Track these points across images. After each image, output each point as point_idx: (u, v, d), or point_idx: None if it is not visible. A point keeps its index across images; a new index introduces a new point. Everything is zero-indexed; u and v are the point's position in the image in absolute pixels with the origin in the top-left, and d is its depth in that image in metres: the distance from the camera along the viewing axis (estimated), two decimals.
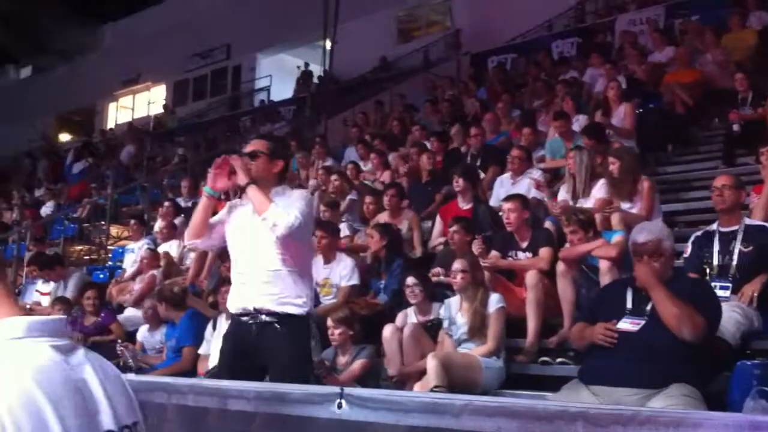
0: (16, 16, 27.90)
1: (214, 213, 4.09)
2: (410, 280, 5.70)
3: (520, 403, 1.78)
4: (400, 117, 12.94)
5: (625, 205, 6.27)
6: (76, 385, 1.22)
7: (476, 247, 6.28)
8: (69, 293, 8.82)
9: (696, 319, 3.74)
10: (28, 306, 9.47)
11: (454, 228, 6.39)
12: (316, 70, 22.75)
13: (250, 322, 3.73)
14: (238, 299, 3.81)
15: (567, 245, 5.66)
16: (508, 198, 6.32)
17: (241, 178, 3.77)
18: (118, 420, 1.25)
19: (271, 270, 3.74)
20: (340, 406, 2.12)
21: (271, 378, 3.48)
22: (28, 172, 22.22)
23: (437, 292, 6.17)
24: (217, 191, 3.92)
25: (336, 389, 2.15)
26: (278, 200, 3.75)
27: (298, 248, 3.82)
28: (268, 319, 3.70)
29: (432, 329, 5.68)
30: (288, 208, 3.69)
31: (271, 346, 3.66)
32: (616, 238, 5.43)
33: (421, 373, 5.19)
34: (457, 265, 5.47)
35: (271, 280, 3.73)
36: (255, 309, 3.72)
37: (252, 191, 3.74)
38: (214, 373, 6.03)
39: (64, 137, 28.84)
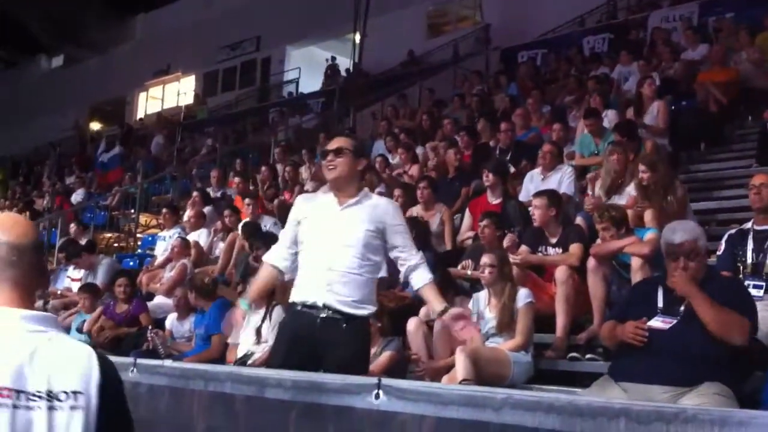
0: (50, 7, 28.22)
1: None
2: (488, 258, 5.57)
3: (562, 398, 1.78)
4: (429, 111, 12.92)
5: None
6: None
7: (507, 242, 6.28)
8: (99, 281, 8.92)
9: (743, 322, 3.71)
10: (59, 292, 9.60)
11: (485, 222, 6.38)
12: (345, 63, 22.79)
13: (315, 315, 3.69)
14: (307, 292, 3.76)
15: (598, 241, 5.63)
16: (536, 194, 6.29)
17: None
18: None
19: (350, 272, 3.72)
20: (377, 396, 2.13)
21: (325, 371, 3.45)
22: (59, 161, 22.49)
23: (465, 287, 6.18)
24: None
25: (373, 380, 2.16)
26: (367, 208, 3.80)
27: (375, 256, 3.83)
28: (333, 315, 3.67)
29: None
30: (406, 246, 3.84)
31: (332, 340, 3.65)
32: (649, 235, 5.38)
33: (449, 367, 5.21)
34: (485, 259, 5.46)
35: (347, 281, 3.72)
36: (324, 305, 3.69)
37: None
38: (242, 361, 6.10)
39: (95, 126, 29.09)
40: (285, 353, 3.66)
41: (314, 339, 3.68)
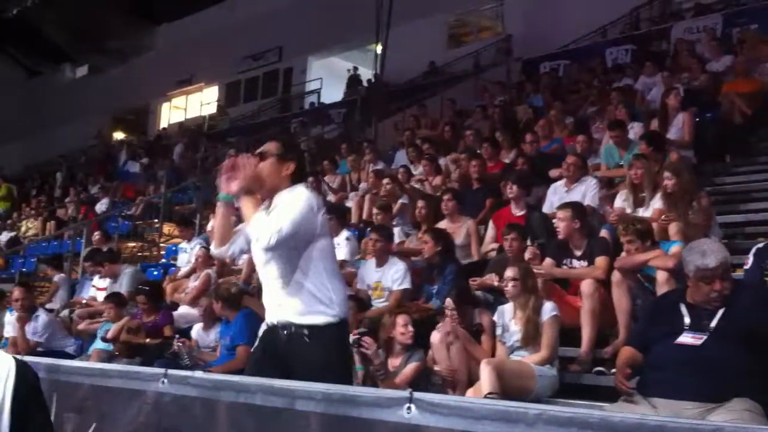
0: (75, 17, 28.55)
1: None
2: (511, 271, 5.56)
3: (595, 414, 1.78)
4: (451, 122, 12.93)
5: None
6: None
7: (529, 254, 6.27)
8: (123, 290, 8.99)
9: None
10: (84, 301, 9.70)
11: (512, 236, 6.38)
12: (366, 73, 22.87)
13: (280, 332, 3.53)
14: (268, 313, 3.63)
15: (623, 254, 5.61)
16: (561, 206, 6.28)
17: (234, 186, 3.54)
18: None
19: (286, 281, 3.50)
20: (409, 410, 2.14)
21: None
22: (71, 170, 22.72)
23: (489, 299, 6.18)
24: (232, 195, 3.59)
25: (405, 393, 2.16)
26: (273, 210, 3.51)
27: (305, 255, 3.51)
28: (296, 330, 3.48)
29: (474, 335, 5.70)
30: (277, 216, 3.42)
31: (298, 353, 3.47)
32: (674, 248, 5.36)
33: (472, 380, 5.22)
34: (508, 273, 5.46)
35: (288, 291, 3.50)
36: (279, 322, 3.53)
37: (242, 203, 3.53)
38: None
39: (118, 135, 29.37)
40: (257, 367, 3.53)
41: (284, 357, 3.50)
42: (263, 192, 3.62)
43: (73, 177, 22.02)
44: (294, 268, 3.49)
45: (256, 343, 3.78)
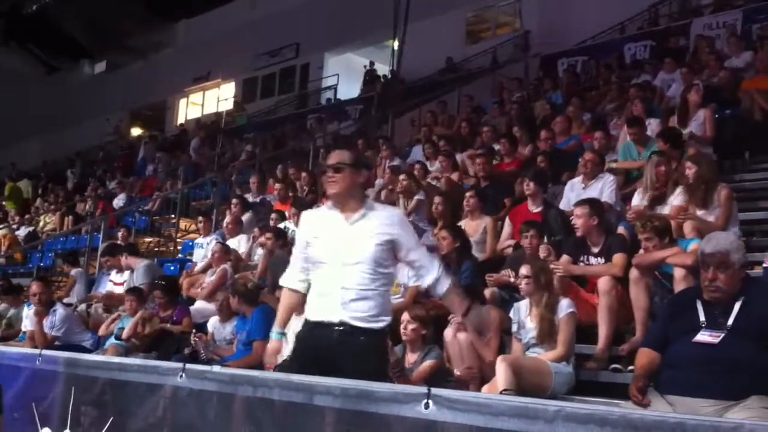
0: (93, 13, 28.71)
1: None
2: (524, 269, 5.52)
3: (616, 411, 1.77)
4: (468, 118, 12.90)
5: (699, 212, 6.14)
6: None
7: (543, 252, 6.24)
8: (137, 282, 9.00)
9: None
10: (100, 296, 9.75)
11: (531, 233, 6.37)
12: (382, 69, 22.85)
13: (331, 330, 3.66)
14: (322, 312, 3.73)
15: (641, 251, 5.57)
16: (578, 203, 6.23)
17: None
18: None
19: (363, 289, 3.69)
20: (427, 406, 2.14)
21: None
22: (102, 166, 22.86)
23: (504, 296, 6.15)
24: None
25: (423, 389, 2.16)
26: (373, 220, 3.77)
27: (392, 267, 3.87)
28: (351, 330, 3.66)
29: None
30: (418, 254, 3.81)
31: (351, 352, 3.63)
32: (693, 246, 5.30)
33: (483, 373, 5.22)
34: (522, 270, 5.45)
35: (361, 298, 3.68)
36: (340, 321, 3.66)
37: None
38: (283, 366, 6.14)
39: (136, 131, 29.54)
40: (299, 369, 3.57)
41: (333, 352, 3.65)
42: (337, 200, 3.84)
43: (91, 173, 22.16)
44: (376, 278, 3.72)
45: (294, 345, 3.90)
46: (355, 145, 13.67)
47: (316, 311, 3.76)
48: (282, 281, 4.02)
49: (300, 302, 3.93)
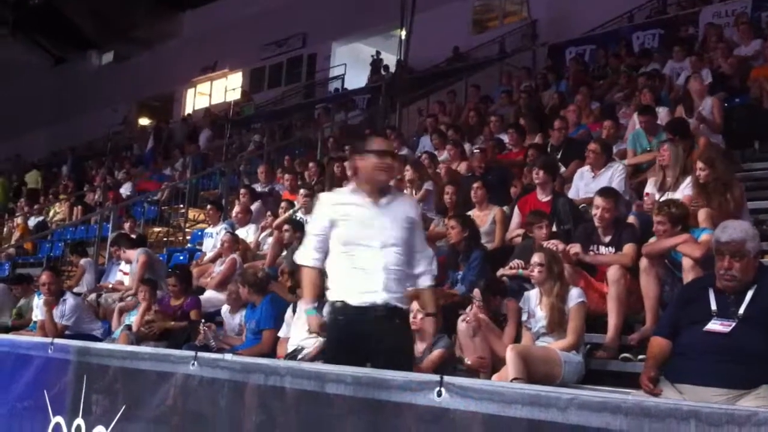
0: (100, 4, 28.70)
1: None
2: (537, 257, 5.55)
3: (630, 399, 1.77)
4: (476, 108, 12.87)
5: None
6: None
7: (552, 245, 6.22)
8: (133, 275, 8.99)
9: None
10: (110, 285, 9.79)
11: (545, 223, 6.36)
12: (389, 59, 22.79)
13: (370, 313, 3.76)
14: (362, 294, 3.79)
15: (651, 240, 5.56)
16: (605, 194, 6.05)
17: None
18: None
19: (398, 269, 3.83)
20: (439, 394, 2.14)
21: (372, 363, 3.51)
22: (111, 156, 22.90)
23: (513, 287, 6.15)
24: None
25: (435, 377, 2.17)
26: (400, 205, 3.94)
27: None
28: (387, 312, 3.77)
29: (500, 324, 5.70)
30: (425, 250, 4.02)
31: (385, 334, 3.75)
32: (704, 237, 5.27)
33: (495, 364, 5.23)
34: (535, 258, 5.43)
35: (397, 278, 3.82)
36: (384, 303, 3.76)
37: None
38: (293, 356, 6.17)
39: (144, 122, 29.56)
40: (342, 356, 3.60)
41: (368, 335, 3.74)
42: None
43: (82, 168, 22.17)
44: (407, 261, 3.90)
45: (336, 326, 3.89)
46: (362, 134, 13.65)
47: (357, 294, 3.80)
48: (301, 260, 4.05)
49: (319, 278, 4.04)
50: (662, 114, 8.73)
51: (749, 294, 3.83)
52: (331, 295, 3.88)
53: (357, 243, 3.84)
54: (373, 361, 3.59)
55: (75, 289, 9.89)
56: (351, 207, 3.90)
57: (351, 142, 4.22)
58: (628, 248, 5.66)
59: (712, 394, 3.66)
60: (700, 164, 6.08)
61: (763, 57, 10.09)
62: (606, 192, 6.09)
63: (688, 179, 6.30)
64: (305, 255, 4.01)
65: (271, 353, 6.47)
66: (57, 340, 4.61)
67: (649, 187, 6.68)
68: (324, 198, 4.19)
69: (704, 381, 3.73)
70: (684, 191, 6.27)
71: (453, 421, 2.10)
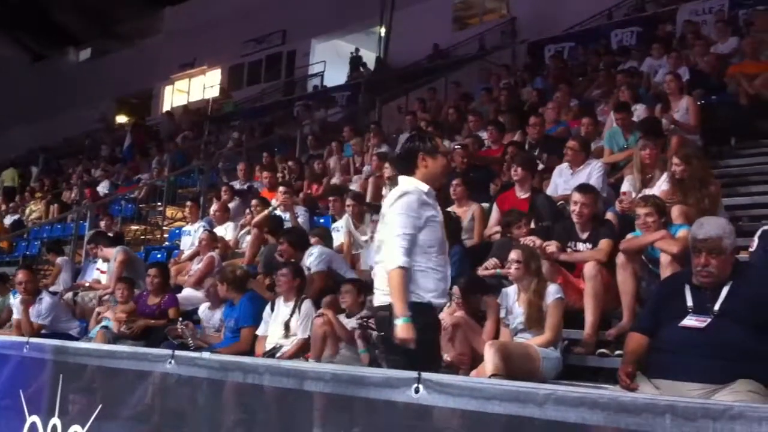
0: (80, 0, 28.47)
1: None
2: (515, 254, 5.54)
3: (607, 394, 1.78)
4: (456, 105, 12.88)
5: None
6: None
7: (530, 241, 6.24)
8: (109, 273, 8.93)
9: None
10: (87, 284, 9.70)
11: (523, 221, 6.38)
12: (369, 56, 22.79)
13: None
14: (441, 294, 3.96)
15: (628, 236, 5.59)
16: (584, 190, 6.06)
17: None
18: None
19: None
20: (417, 390, 2.14)
21: None
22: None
23: (493, 283, 6.16)
24: None
25: (413, 374, 2.16)
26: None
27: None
28: None
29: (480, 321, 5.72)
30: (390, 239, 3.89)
31: None
32: (681, 232, 5.31)
33: (475, 361, 5.24)
34: (512, 255, 5.45)
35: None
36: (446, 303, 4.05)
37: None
38: (271, 354, 6.16)
39: (122, 119, 29.35)
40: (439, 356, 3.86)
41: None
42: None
43: (57, 167, 21.95)
44: None
45: (430, 329, 3.91)
46: (341, 132, 13.66)
47: (439, 295, 3.94)
48: (393, 262, 3.82)
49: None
50: (640, 111, 8.78)
51: (725, 290, 3.86)
52: (413, 297, 3.82)
53: (440, 245, 3.94)
54: None
55: (51, 288, 9.81)
56: (434, 208, 4.00)
57: (420, 142, 4.11)
58: (604, 244, 5.69)
59: (688, 389, 3.67)
60: (675, 160, 6.11)
61: (741, 54, 10.16)
62: (584, 188, 6.11)
63: (664, 176, 6.35)
64: (398, 256, 3.81)
65: (250, 351, 6.45)
66: (33, 339, 4.58)
67: (626, 186, 6.72)
68: (416, 196, 3.99)
69: (681, 376, 3.75)
70: (661, 187, 6.31)
71: (431, 417, 2.11)
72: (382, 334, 3.94)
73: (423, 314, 3.79)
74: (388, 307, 3.78)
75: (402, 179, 4.12)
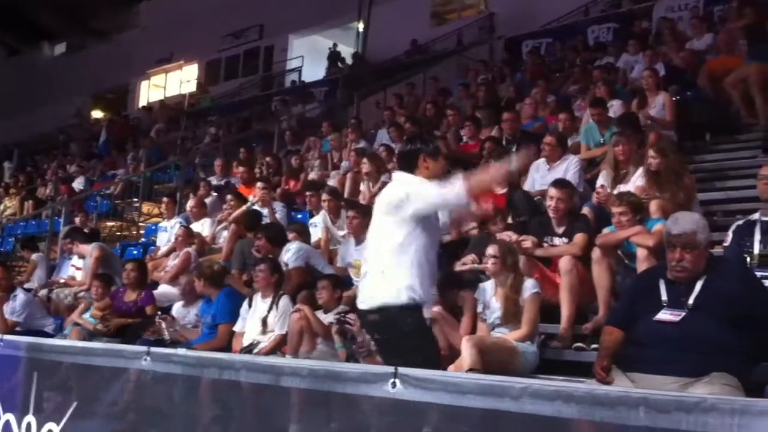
0: None
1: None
2: (492, 249, 5.60)
3: (582, 387, 1.79)
4: (434, 100, 12.89)
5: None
6: None
7: (508, 236, 6.26)
8: (86, 270, 8.85)
9: None
10: (62, 281, 9.62)
11: (498, 218, 6.40)
12: (347, 51, 22.73)
13: None
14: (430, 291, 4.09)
15: (604, 231, 5.63)
16: (559, 185, 6.09)
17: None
18: None
19: None
20: (394, 385, 2.14)
21: None
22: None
23: (471, 278, 6.18)
24: None
25: (390, 369, 2.17)
26: None
27: None
28: None
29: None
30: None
31: None
32: (657, 227, 5.36)
33: (452, 356, 5.25)
34: (489, 250, 5.47)
35: None
36: None
37: None
38: (248, 350, 6.14)
39: (98, 114, 29.08)
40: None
41: None
42: None
43: (32, 163, 21.74)
44: None
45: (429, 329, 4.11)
46: (319, 126, 13.63)
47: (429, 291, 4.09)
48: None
49: None
50: (616, 107, 8.84)
51: (699, 284, 3.90)
52: (412, 294, 3.85)
53: (435, 243, 4.01)
54: None
55: (26, 285, 9.72)
56: None
57: (422, 143, 4.11)
58: (579, 238, 5.73)
59: (663, 382, 3.71)
60: (652, 153, 6.17)
61: (716, 50, 10.25)
62: (560, 183, 6.15)
63: (640, 170, 6.40)
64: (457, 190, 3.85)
65: (227, 348, 6.42)
66: (7, 337, 4.53)
67: (601, 180, 6.77)
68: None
69: (655, 369, 3.78)
70: (636, 182, 6.36)
71: (408, 412, 2.11)
72: (379, 337, 4.01)
73: (419, 317, 3.89)
74: (380, 310, 3.82)
75: (402, 175, 4.14)
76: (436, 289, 5.69)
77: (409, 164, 4.09)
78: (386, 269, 3.89)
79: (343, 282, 6.58)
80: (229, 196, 9.56)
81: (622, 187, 6.36)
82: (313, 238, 8.19)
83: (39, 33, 32.45)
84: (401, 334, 3.81)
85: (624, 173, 6.55)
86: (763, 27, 9.42)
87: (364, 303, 3.99)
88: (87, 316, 7.71)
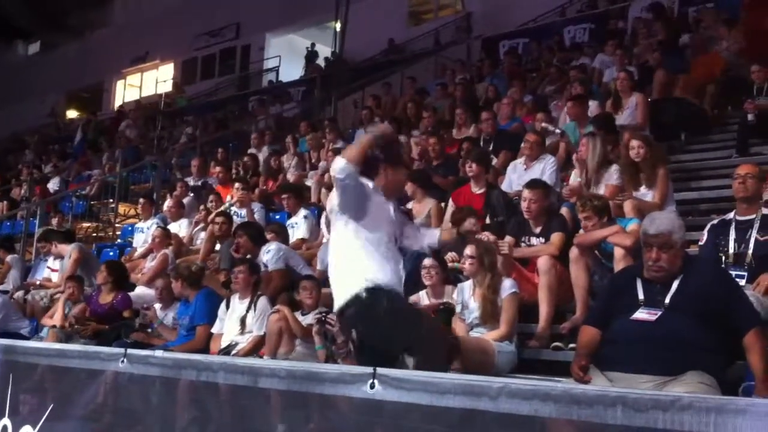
0: None
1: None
2: (427, 261, 5.69)
3: (559, 386, 1.80)
4: (412, 100, 12.90)
5: (636, 193, 6.27)
6: None
7: (484, 236, 6.28)
8: (63, 271, 8.78)
9: None
10: (38, 282, 9.52)
11: (473, 220, 6.41)
12: (324, 51, 22.68)
13: None
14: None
15: (581, 231, 5.67)
16: (532, 186, 6.16)
17: None
18: None
19: None
20: (372, 386, 2.14)
21: None
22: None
23: (452, 277, 6.20)
24: None
25: (368, 369, 2.17)
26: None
27: None
28: None
29: (444, 313, 5.71)
30: None
31: None
32: (632, 226, 5.42)
33: None
34: (467, 251, 5.48)
35: None
36: None
37: None
38: (227, 351, 6.11)
39: (72, 114, 28.81)
40: None
41: None
42: None
43: (4, 163, 21.51)
44: None
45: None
46: (297, 126, 13.59)
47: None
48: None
49: None
50: (592, 107, 8.89)
51: (675, 283, 3.92)
52: (373, 277, 3.94)
53: (387, 234, 4.10)
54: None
55: (1, 287, 9.60)
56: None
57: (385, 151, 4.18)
58: (555, 237, 5.78)
59: (640, 381, 3.73)
60: (635, 143, 6.24)
61: (690, 50, 10.35)
62: (533, 184, 6.20)
63: (612, 169, 6.46)
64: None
65: (205, 349, 6.38)
66: None
67: (573, 179, 6.82)
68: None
69: (632, 368, 3.80)
70: (608, 181, 6.41)
71: (387, 412, 2.11)
72: (361, 329, 4.00)
73: (393, 297, 3.98)
74: (353, 301, 3.91)
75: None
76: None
77: (369, 171, 4.14)
78: (346, 264, 4.04)
79: (324, 284, 6.57)
80: (211, 197, 9.53)
81: (594, 188, 6.42)
82: (292, 239, 8.18)
83: (13, 31, 32.07)
84: (379, 318, 3.90)
85: (592, 174, 6.59)
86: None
87: (338, 301, 4.08)
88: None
